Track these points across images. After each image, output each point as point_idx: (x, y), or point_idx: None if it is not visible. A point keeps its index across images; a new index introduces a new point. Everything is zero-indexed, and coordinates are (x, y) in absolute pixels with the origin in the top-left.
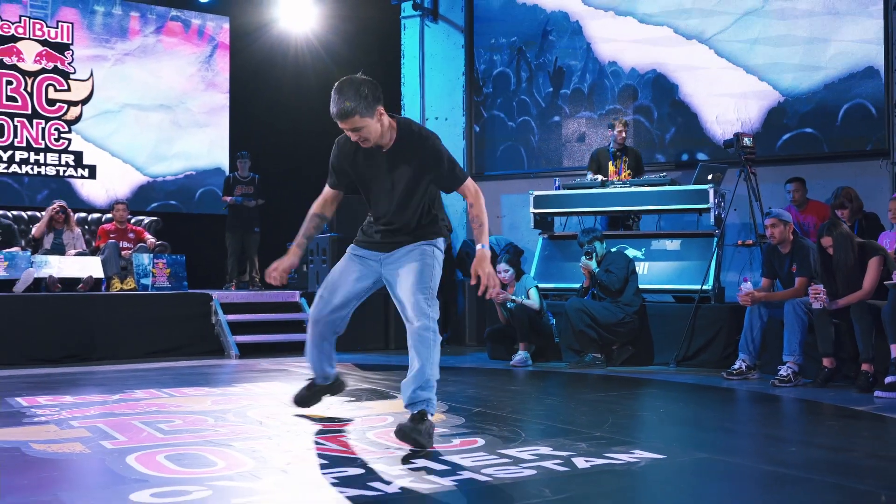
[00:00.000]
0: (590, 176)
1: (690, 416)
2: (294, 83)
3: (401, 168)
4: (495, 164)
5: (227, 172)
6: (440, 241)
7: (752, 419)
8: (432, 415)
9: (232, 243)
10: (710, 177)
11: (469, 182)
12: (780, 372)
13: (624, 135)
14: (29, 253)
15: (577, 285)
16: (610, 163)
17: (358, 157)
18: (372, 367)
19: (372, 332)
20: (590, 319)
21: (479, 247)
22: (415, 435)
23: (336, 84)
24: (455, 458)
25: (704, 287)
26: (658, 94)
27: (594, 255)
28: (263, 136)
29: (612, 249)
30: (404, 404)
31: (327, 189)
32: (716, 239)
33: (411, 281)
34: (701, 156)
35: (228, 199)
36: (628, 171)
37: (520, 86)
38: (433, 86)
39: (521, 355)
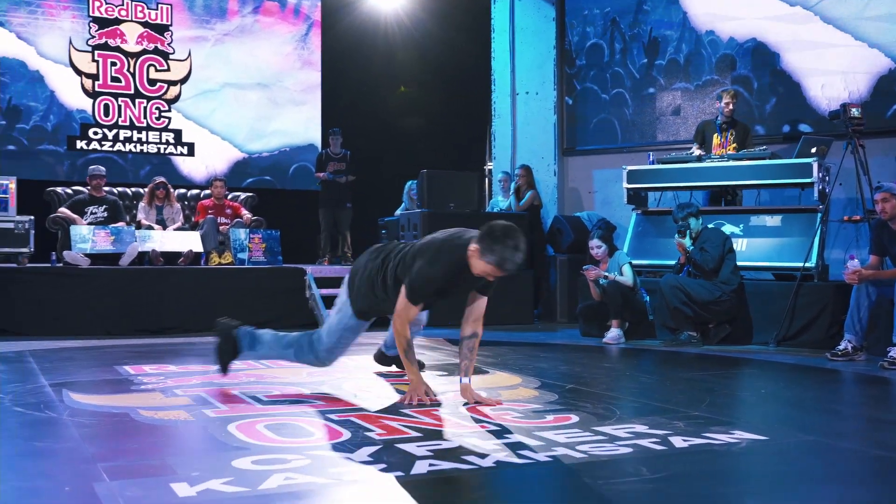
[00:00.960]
0: (694, 148)
1: (793, 397)
2: (384, 60)
3: None
4: (587, 139)
5: (320, 149)
6: None
7: (859, 402)
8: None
9: (325, 219)
10: (813, 150)
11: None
12: (890, 353)
13: (731, 107)
14: (133, 228)
15: (673, 262)
16: (715, 135)
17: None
18: None
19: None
20: (685, 297)
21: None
22: None
23: (510, 237)
24: (549, 435)
25: (807, 264)
26: (758, 63)
27: (688, 232)
28: (355, 113)
29: (710, 226)
30: None
31: (414, 309)
32: (820, 214)
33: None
34: (804, 128)
35: (321, 175)
36: (734, 146)
37: (613, 57)
38: (524, 60)
39: (614, 332)
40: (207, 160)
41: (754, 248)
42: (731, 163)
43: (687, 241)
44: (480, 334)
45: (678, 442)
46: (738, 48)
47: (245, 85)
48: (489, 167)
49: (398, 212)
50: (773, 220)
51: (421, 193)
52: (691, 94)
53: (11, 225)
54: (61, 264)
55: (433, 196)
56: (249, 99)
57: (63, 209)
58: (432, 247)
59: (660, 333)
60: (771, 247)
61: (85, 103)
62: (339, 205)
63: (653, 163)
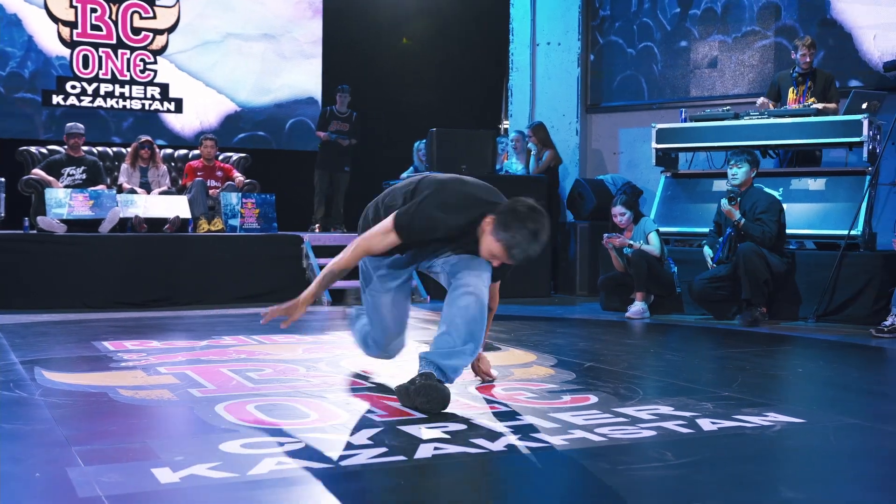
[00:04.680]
0: (759, 101)
1: (834, 376)
2: (392, 8)
3: None
4: (612, 96)
5: (320, 104)
6: None
7: None
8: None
9: (320, 181)
10: (864, 105)
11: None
12: None
13: (809, 58)
14: (115, 191)
15: (706, 229)
16: (791, 89)
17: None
18: None
19: None
20: (769, 269)
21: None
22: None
23: (533, 221)
24: (565, 416)
25: (852, 232)
26: (805, 12)
27: (737, 198)
28: (359, 65)
29: (766, 189)
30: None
31: (387, 241)
32: (868, 177)
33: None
34: (854, 83)
35: (322, 134)
36: (813, 98)
37: (642, 7)
38: (545, 7)
39: (638, 306)
40: (196, 113)
41: (795, 213)
42: (772, 120)
43: (737, 213)
44: (495, 309)
45: (706, 425)
46: None
47: (250, 36)
48: (505, 125)
49: (405, 174)
50: (815, 184)
51: (430, 154)
52: (729, 47)
53: None
54: (35, 231)
55: (443, 157)
56: (254, 51)
57: (37, 170)
58: (456, 188)
59: (688, 308)
60: (813, 212)
61: (64, 51)
62: (337, 168)
63: (685, 120)
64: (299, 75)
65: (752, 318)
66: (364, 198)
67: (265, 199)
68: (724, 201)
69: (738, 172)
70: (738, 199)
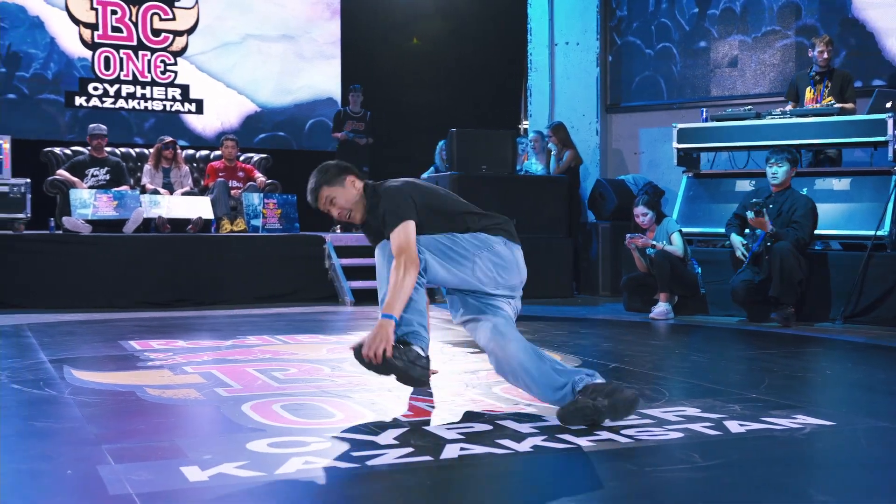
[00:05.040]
0: (789, 106)
1: (862, 379)
2: (409, 8)
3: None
4: (631, 96)
5: (339, 104)
6: None
7: None
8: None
9: None
10: (888, 104)
11: (394, 232)
12: None
13: (826, 55)
14: (138, 192)
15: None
16: (808, 89)
17: None
18: None
19: None
20: (803, 272)
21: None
22: None
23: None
24: None
25: (879, 233)
26: (826, 11)
27: (763, 209)
28: (377, 66)
29: (803, 192)
30: None
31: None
32: (894, 177)
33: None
34: (877, 82)
35: (339, 135)
36: (829, 99)
37: (659, 7)
38: (563, 6)
39: (661, 307)
40: (217, 114)
41: (820, 214)
42: (795, 119)
43: (768, 223)
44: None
45: (734, 427)
46: None
47: (269, 37)
48: (525, 125)
49: (426, 174)
50: (840, 184)
51: (450, 154)
52: (749, 47)
53: (6, 189)
54: (60, 231)
55: (463, 157)
56: (273, 52)
57: (62, 171)
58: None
59: (713, 309)
60: (838, 213)
61: (86, 53)
62: (355, 167)
63: (706, 120)
64: (318, 76)
65: (785, 318)
66: None
67: (287, 199)
68: (749, 214)
69: (779, 172)
70: (764, 209)
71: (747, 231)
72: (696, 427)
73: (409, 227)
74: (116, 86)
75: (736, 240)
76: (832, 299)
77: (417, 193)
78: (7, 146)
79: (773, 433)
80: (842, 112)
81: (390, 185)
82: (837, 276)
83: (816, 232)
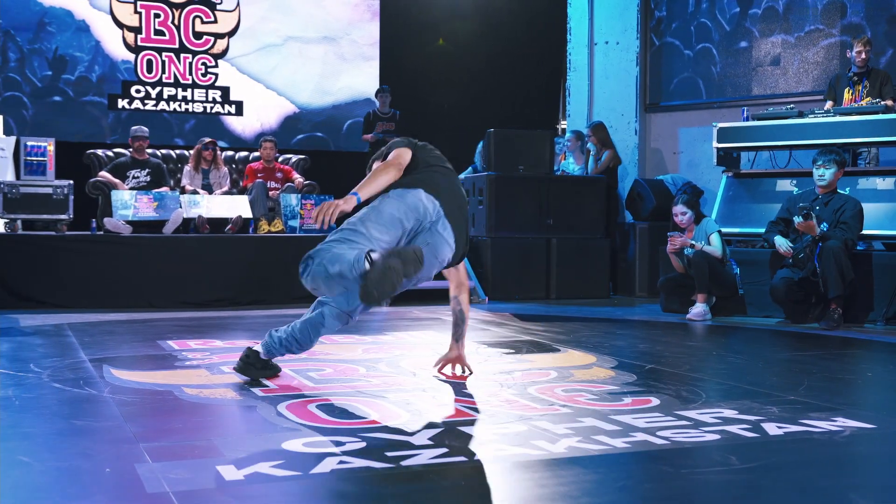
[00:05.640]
0: (827, 106)
1: None
2: (447, 9)
3: None
4: (670, 95)
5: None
6: None
7: None
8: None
9: None
10: None
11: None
12: None
13: (864, 56)
14: (178, 193)
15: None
16: (847, 90)
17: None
18: (532, 318)
19: (534, 281)
20: (853, 271)
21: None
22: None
23: None
24: (627, 419)
25: None
26: (873, 8)
27: (811, 213)
28: (414, 67)
29: (848, 193)
30: None
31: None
32: None
33: None
34: None
35: (369, 136)
36: (868, 99)
37: (699, 7)
38: (603, 6)
39: (699, 308)
40: (257, 115)
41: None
42: (840, 118)
43: (817, 226)
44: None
45: (772, 429)
46: None
47: (310, 39)
48: (563, 126)
49: (464, 174)
50: (884, 183)
51: (487, 155)
52: (791, 46)
53: (50, 190)
54: (102, 232)
55: (500, 158)
56: (314, 54)
57: (104, 173)
58: None
59: (751, 310)
60: (883, 213)
61: (129, 56)
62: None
63: (747, 119)
64: (358, 77)
65: (834, 323)
66: None
67: (324, 200)
68: (797, 219)
69: (826, 173)
70: (812, 212)
71: (792, 234)
72: (734, 429)
73: (406, 153)
74: (158, 88)
75: (781, 241)
76: (874, 300)
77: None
78: (51, 148)
79: (811, 436)
80: (888, 110)
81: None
82: (880, 277)
83: (861, 231)
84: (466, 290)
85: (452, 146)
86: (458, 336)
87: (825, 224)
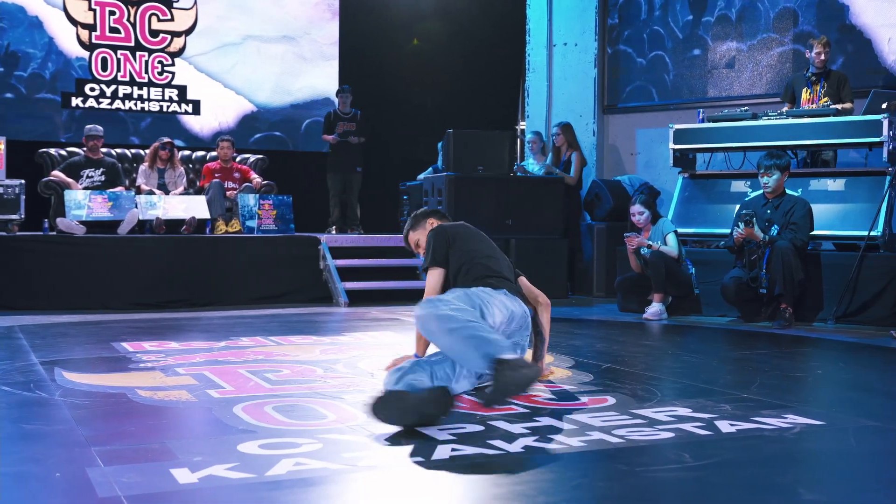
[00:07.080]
0: (785, 108)
1: (853, 379)
2: (407, 9)
3: None
4: (629, 95)
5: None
6: None
7: None
8: None
9: (334, 184)
10: (884, 105)
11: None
12: None
13: (823, 56)
14: (133, 193)
15: (724, 230)
16: (805, 90)
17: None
18: None
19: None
20: (802, 271)
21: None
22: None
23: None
24: (583, 418)
25: (872, 233)
26: (823, 18)
27: (752, 219)
28: (373, 67)
29: (794, 192)
30: None
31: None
32: (889, 178)
33: None
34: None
35: (329, 137)
36: (826, 100)
37: (652, 14)
38: (561, 7)
39: (655, 307)
40: (220, 116)
41: (814, 214)
42: (791, 120)
43: (759, 233)
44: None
45: (725, 426)
46: (800, 0)
47: (269, 38)
48: (522, 126)
49: (423, 175)
50: (834, 184)
51: (447, 155)
52: (744, 55)
53: (0, 190)
54: (54, 232)
55: (460, 158)
56: (273, 53)
57: (56, 172)
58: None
59: (706, 309)
60: (832, 213)
61: (84, 53)
62: (349, 169)
63: (702, 121)
64: (318, 76)
65: (786, 322)
66: (379, 198)
67: (282, 200)
68: (738, 228)
69: (770, 181)
70: (754, 219)
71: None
72: (687, 427)
73: (434, 274)
74: (113, 86)
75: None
76: (824, 299)
77: (456, 237)
78: (2, 147)
79: (763, 433)
80: (839, 112)
81: (437, 227)
82: (830, 277)
83: (812, 231)
84: (543, 305)
85: (412, 146)
86: (534, 355)
87: (776, 227)
